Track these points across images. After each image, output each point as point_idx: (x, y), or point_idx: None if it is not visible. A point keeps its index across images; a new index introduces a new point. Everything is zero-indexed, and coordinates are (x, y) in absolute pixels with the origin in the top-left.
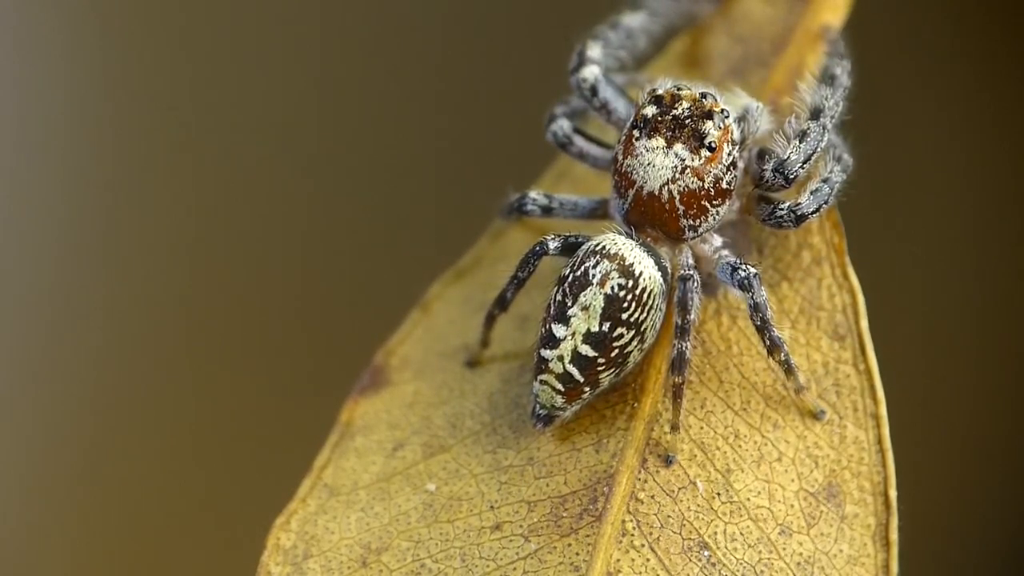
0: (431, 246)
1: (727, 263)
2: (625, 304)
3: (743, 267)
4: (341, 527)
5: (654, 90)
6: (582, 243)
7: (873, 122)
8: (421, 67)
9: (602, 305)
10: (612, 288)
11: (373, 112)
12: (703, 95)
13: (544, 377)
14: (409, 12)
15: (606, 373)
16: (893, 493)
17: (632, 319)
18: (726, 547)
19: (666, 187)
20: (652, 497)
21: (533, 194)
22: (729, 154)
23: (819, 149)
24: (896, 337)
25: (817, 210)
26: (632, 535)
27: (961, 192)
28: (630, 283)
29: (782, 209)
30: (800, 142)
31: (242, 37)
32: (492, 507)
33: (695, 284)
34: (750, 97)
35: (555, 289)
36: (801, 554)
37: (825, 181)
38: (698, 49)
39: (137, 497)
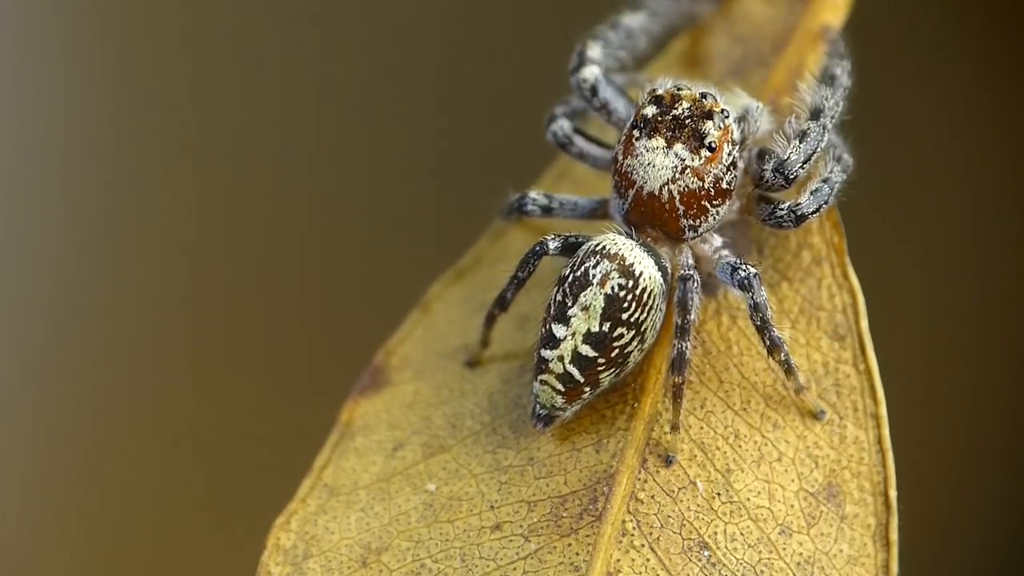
0: (431, 246)
1: (727, 263)
2: (625, 304)
3: (743, 267)
4: (341, 527)
5: (654, 90)
6: (582, 243)
7: (873, 122)
8: (421, 67)
9: (602, 305)
10: (612, 288)
11: (373, 112)
12: (703, 95)
13: (544, 377)
14: (409, 12)
15: (606, 373)
16: (893, 493)
17: (632, 319)
18: (726, 547)
19: (666, 187)
20: (652, 497)
21: (533, 194)
22: (729, 154)
23: (819, 149)
24: (896, 337)
25: (817, 210)
26: (632, 535)
27: (961, 192)
28: (630, 283)
29: (782, 209)
30: (800, 142)
31: (242, 37)
32: (492, 507)
33: (695, 284)
34: (750, 97)
35: (555, 289)
36: (801, 554)
37: (825, 181)
38: (698, 49)
39: (137, 497)
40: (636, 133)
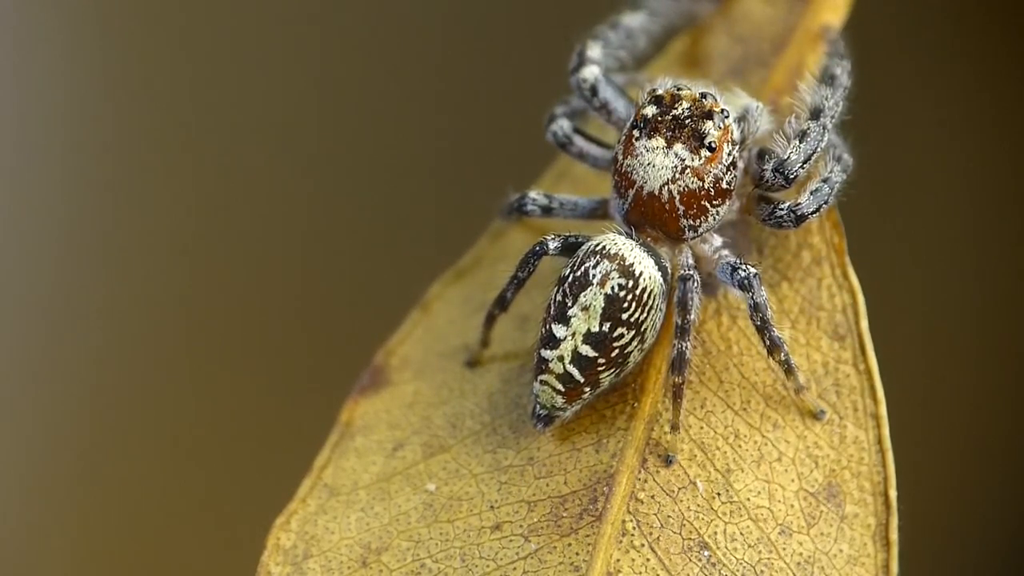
0: (431, 246)
1: (727, 263)
2: (625, 304)
3: (743, 267)
4: (341, 527)
5: (654, 90)
6: (582, 243)
7: (873, 122)
8: (421, 67)
9: (602, 305)
10: (612, 288)
11: (373, 112)
12: (703, 95)
13: (544, 377)
14: (409, 12)
15: (606, 373)
16: (893, 493)
17: (632, 319)
18: (726, 547)
19: (666, 187)
20: (652, 497)
21: (533, 194)
22: (729, 154)
23: (819, 149)
24: (896, 337)
25: (817, 210)
26: (632, 535)
27: (961, 192)
28: (630, 283)
29: (782, 209)
30: (800, 142)
31: (242, 37)
32: (492, 507)
33: (695, 284)
34: (750, 97)
35: (555, 289)
36: (801, 554)
37: (825, 181)
38: (698, 49)
39: (137, 497)
40: (636, 133)
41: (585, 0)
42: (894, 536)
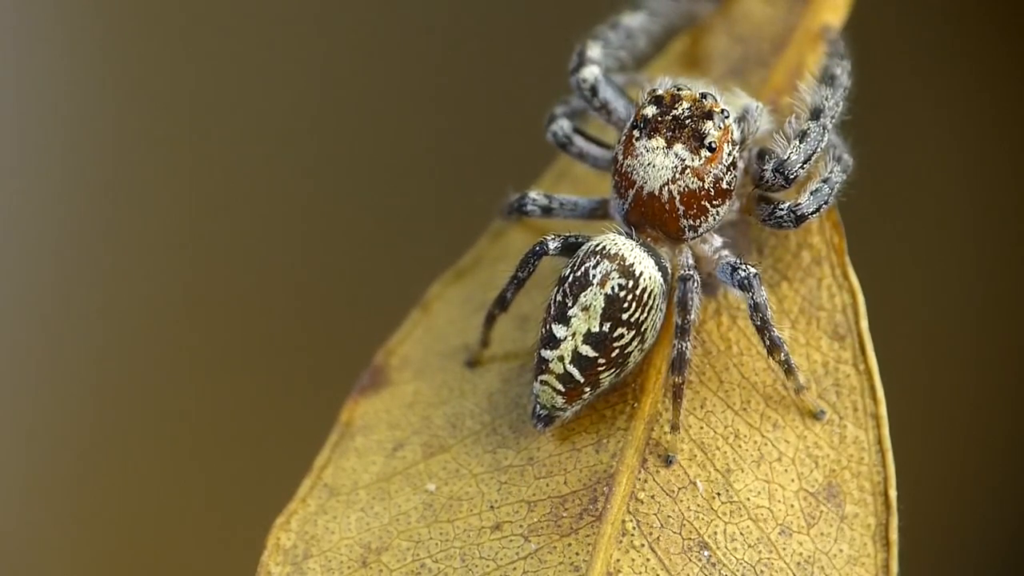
0: (431, 246)
1: (727, 263)
2: (625, 304)
3: (743, 267)
4: (341, 527)
5: (654, 90)
6: (582, 243)
7: (873, 122)
8: (421, 67)
9: (602, 305)
10: (612, 288)
11: (373, 112)
12: (703, 95)
13: (544, 377)
14: (409, 12)
15: (606, 373)
16: (893, 493)
17: (632, 319)
18: (726, 547)
19: (666, 187)
20: (652, 497)
21: (533, 194)
22: (729, 154)
23: (819, 149)
24: (896, 337)
25: (817, 210)
26: (632, 535)
27: (961, 192)
28: (630, 283)
29: (782, 209)
30: (800, 142)
31: (242, 37)
32: (492, 507)
33: (695, 284)
34: (750, 97)
35: (555, 289)
36: (801, 554)
37: (825, 181)
38: (698, 49)
39: (137, 497)
40: (636, 133)
41: (585, 0)
42: (894, 536)
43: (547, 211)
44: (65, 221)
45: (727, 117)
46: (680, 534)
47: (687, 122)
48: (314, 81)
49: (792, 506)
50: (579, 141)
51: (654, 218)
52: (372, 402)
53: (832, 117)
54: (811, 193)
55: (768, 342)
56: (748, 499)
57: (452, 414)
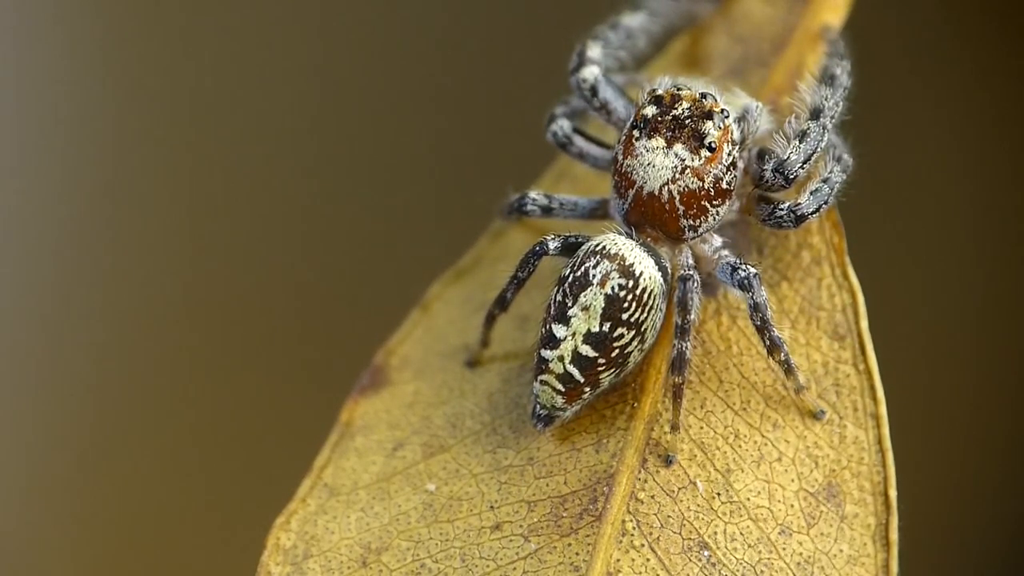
0: (431, 246)
1: (727, 263)
2: (625, 304)
3: (743, 267)
4: (341, 527)
5: (654, 90)
6: (582, 243)
7: (873, 122)
8: (421, 67)
9: (602, 305)
10: (612, 288)
11: (373, 112)
12: (703, 95)
13: (544, 377)
14: (409, 12)
15: (606, 373)
16: (893, 493)
17: (632, 319)
18: (726, 547)
19: (666, 187)
20: (652, 497)
21: (533, 194)
22: (729, 154)
23: (819, 149)
24: (896, 337)
25: (817, 210)
26: (632, 535)
27: (961, 192)
28: (630, 283)
29: (782, 209)
30: (800, 142)
31: (242, 37)
32: (492, 507)
33: (695, 284)
34: (750, 97)
35: (555, 289)
36: (801, 554)
37: (825, 181)
38: (698, 49)
39: (137, 497)
40: (636, 133)
41: (585, 0)
42: (894, 536)
43: (547, 211)
44: (65, 221)
45: (727, 117)
46: (680, 534)
47: (687, 122)
48: (314, 81)
49: (792, 506)
50: (579, 141)
51: (654, 218)
52: (372, 402)
53: (832, 117)
54: (811, 193)
55: (768, 342)
56: (748, 499)
57: (452, 414)
